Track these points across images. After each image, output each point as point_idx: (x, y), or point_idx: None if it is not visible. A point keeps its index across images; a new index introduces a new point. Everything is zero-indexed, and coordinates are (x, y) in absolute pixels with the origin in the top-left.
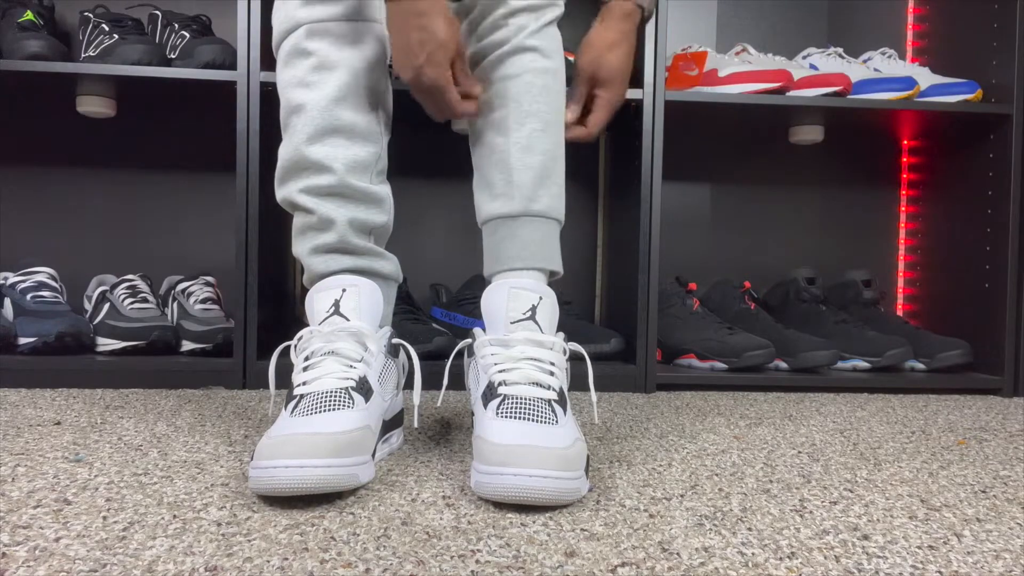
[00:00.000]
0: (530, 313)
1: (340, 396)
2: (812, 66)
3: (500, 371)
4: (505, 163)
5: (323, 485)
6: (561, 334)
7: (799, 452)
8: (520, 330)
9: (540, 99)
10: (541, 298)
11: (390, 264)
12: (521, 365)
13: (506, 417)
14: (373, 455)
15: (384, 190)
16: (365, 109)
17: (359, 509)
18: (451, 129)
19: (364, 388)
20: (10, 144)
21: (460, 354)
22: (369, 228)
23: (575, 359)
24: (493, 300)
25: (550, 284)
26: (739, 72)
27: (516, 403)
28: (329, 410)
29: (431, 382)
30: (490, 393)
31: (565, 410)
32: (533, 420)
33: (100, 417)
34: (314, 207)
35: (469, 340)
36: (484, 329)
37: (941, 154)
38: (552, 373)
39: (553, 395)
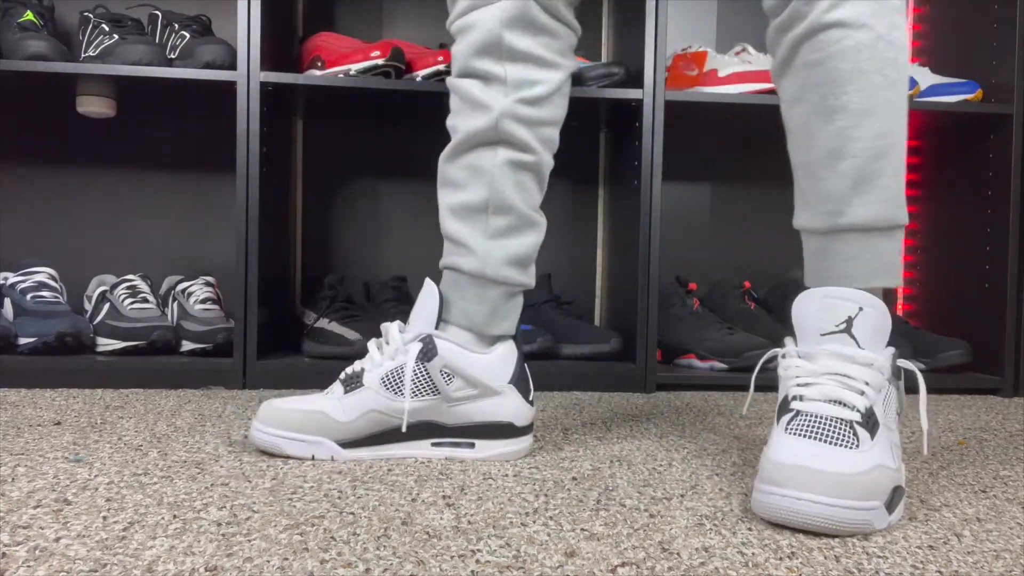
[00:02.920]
0: (844, 325)
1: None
2: None
3: (798, 385)
4: (810, 170)
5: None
6: (890, 351)
7: None
8: (829, 343)
9: (850, 87)
10: (861, 309)
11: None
12: (822, 380)
13: (794, 434)
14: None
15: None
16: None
17: (359, 509)
18: None
19: (870, 422)
20: (10, 144)
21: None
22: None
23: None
24: (803, 309)
25: (885, 294)
26: (739, 72)
27: (808, 420)
28: (831, 443)
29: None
30: (784, 407)
31: (874, 434)
32: (825, 441)
33: (100, 417)
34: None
35: (779, 349)
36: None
37: (941, 154)
38: (863, 393)
39: (856, 416)
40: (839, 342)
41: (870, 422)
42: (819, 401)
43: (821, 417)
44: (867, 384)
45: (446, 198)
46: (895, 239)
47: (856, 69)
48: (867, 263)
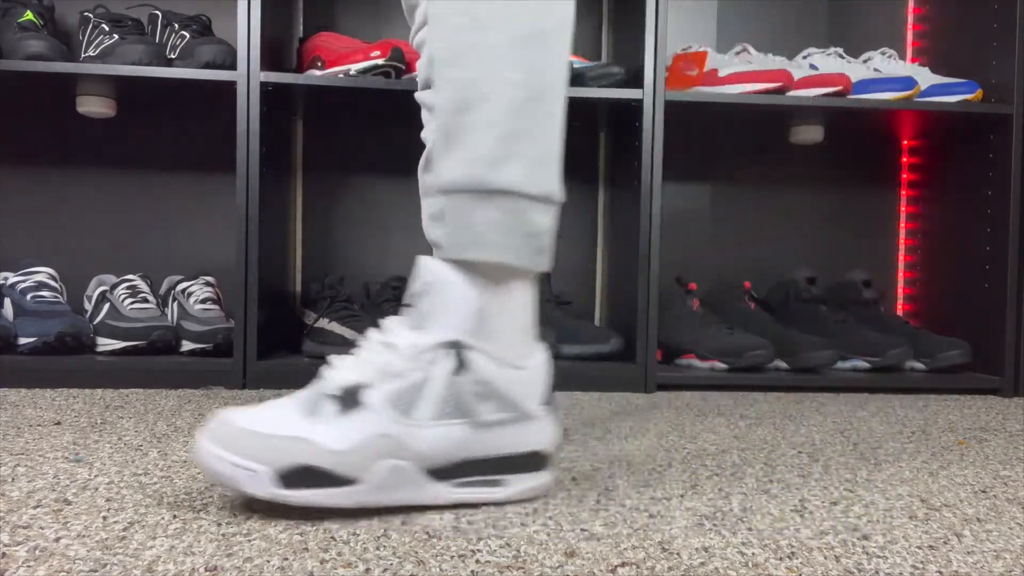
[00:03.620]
0: (412, 300)
1: (314, 400)
2: (812, 66)
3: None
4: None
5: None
6: (436, 337)
7: (799, 452)
8: (399, 318)
9: (434, 32)
10: (431, 281)
11: None
12: (358, 356)
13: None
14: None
15: None
16: None
17: (359, 509)
18: None
19: (347, 399)
20: (10, 144)
21: None
22: None
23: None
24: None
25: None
26: (739, 72)
27: (306, 390)
28: (302, 411)
29: None
30: None
31: (344, 411)
32: (300, 408)
33: (100, 417)
34: None
35: None
36: None
37: (941, 154)
38: (356, 370)
39: (331, 389)
40: (406, 317)
41: (346, 399)
42: (331, 372)
43: (313, 386)
44: (377, 366)
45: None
46: (493, 205)
47: (435, 14)
48: (456, 232)
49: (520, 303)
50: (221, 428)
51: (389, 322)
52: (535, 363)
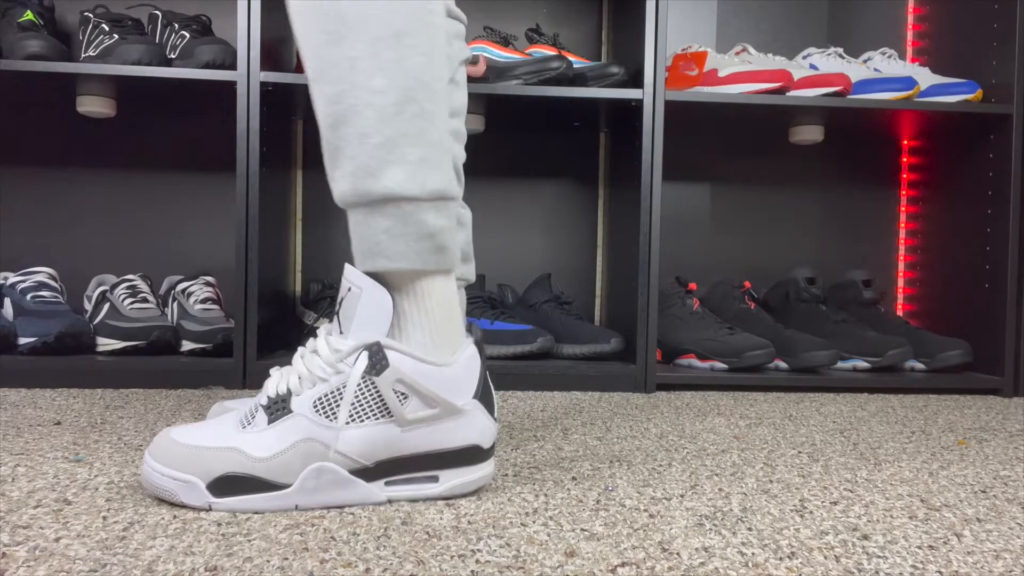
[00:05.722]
0: (336, 307)
1: (249, 411)
2: (812, 66)
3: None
4: None
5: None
6: (357, 342)
7: (799, 452)
8: (324, 327)
9: (303, 54)
10: (350, 289)
11: None
12: (282, 369)
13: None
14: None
15: None
16: None
17: (359, 509)
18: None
19: (276, 407)
20: (10, 144)
21: None
22: None
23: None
24: None
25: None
26: (739, 72)
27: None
28: (237, 422)
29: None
30: None
31: (274, 419)
32: (238, 420)
33: (100, 417)
34: None
35: None
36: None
37: (941, 154)
38: (282, 378)
39: (263, 400)
40: (333, 324)
41: (275, 407)
42: (266, 383)
43: (251, 401)
44: (303, 373)
45: None
46: (381, 214)
47: (301, 35)
48: (359, 243)
49: (437, 302)
50: (161, 444)
51: (320, 330)
52: (461, 359)
